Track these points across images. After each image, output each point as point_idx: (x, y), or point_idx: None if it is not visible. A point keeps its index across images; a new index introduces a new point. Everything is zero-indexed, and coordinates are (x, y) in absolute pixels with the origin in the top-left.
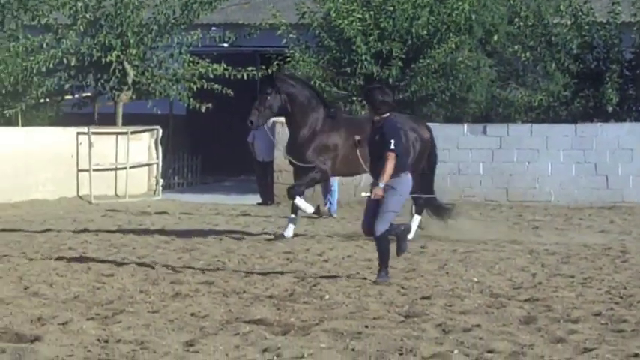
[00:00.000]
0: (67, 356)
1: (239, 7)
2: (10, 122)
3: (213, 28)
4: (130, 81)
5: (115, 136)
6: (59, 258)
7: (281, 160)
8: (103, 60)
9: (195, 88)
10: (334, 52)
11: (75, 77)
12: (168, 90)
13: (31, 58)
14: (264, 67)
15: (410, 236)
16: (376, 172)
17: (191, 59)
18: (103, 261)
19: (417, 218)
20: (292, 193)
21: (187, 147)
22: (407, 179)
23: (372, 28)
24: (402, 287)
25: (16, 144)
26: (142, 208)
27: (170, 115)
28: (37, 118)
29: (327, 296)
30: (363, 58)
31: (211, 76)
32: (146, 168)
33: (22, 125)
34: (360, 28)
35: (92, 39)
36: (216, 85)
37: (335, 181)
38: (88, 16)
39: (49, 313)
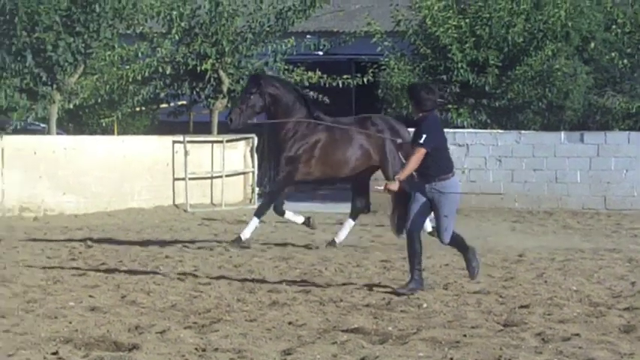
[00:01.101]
0: None
1: (334, 14)
2: (106, 131)
3: (308, 36)
4: (225, 89)
5: (210, 145)
6: (155, 267)
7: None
8: (198, 68)
9: None
10: (430, 59)
11: (170, 86)
12: None
13: (127, 67)
14: (359, 74)
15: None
16: (424, 173)
17: (286, 67)
18: (199, 269)
19: (350, 223)
20: (276, 211)
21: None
22: (454, 181)
23: (468, 35)
24: (500, 296)
25: (112, 152)
26: (237, 216)
27: (264, 124)
28: (132, 127)
29: (424, 305)
30: (459, 65)
31: (306, 84)
32: (242, 176)
33: (118, 134)
34: (455, 35)
35: (187, 47)
36: (311, 93)
37: None
38: (182, 24)
39: (147, 322)
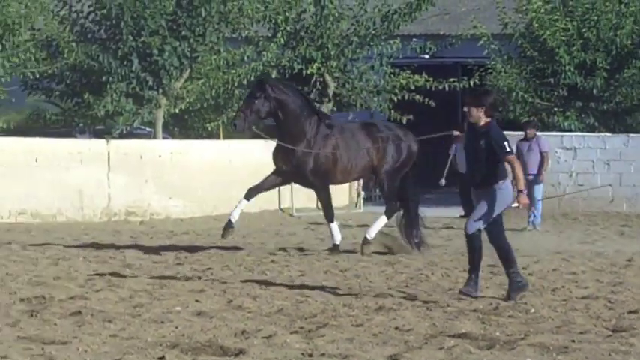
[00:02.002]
0: None
1: (440, 17)
2: (211, 135)
3: (414, 39)
4: (330, 93)
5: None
6: (261, 271)
7: None
8: (304, 72)
9: (396, 100)
10: (536, 62)
11: None
12: (369, 102)
13: (232, 71)
14: (465, 78)
15: (371, 236)
16: (479, 181)
17: (392, 71)
18: (305, 274)
19: (383, 219)
20: (329, 218)
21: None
22: (507, 186)
23: (575, 38)
24: (609, 301)
25: (218, 157)
26: (343, 220)
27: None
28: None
29: (532, 310)
30: (566, 68)
31: (412, 87)
32: None
33: (223, 138)
34: (563, 38)
35: (292, 51)
36: (417, 97)
37: (539, 195)
38: (288, 28)
39: (253, 327)
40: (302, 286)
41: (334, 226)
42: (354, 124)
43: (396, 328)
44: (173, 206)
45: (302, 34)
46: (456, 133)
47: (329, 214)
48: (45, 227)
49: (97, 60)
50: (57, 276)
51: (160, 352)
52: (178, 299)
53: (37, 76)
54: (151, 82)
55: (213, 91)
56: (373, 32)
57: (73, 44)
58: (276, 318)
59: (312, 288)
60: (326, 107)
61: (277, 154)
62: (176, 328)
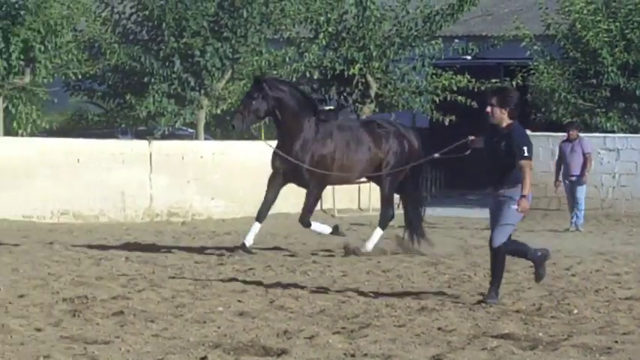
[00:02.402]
0: None
1: (482, 18)
2: (252, 136)
3: (456, 40)
4: (372, 94)
5: None
6: (303, 272)
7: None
8: (346, 73)
9: (438, 101)
10: (579, 63)
11: (317, 90)
12: (411, 102)
13: (274, 72)
14: (507, 79)
15: (367, 250)
16: (496, 182)
17: (434, 71)
18: (347, 274)
19: (378, 232)
20: (305, 223)
21: (431, 160)
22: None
23: (618, 39)
24: None
25: (259, 157)
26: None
27: (412, 128)
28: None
29: (575, 311)
30: (609, 69)
31: (455, 88)
32: None
33: (265, 139)
34: (605, 39)
35: (334, 52)
36: (459, 97)
37: (582, 195)
38: (330, 29)
39: (295, 327)
40: (344, 287)
41: (317, 225)
42: (354, 121)
43: (439, 328)
44: (215, 207)
45: (344, 35)
46: (471, 137)
47: (306, 216)
48: (87, 228)
49: (139, 61)
50: (99, 276)
51: (202, 353)
52: (220, 299)
53: (79, 77)
54: (192, 83)
55: None
56: (415, 33)
57: (115, 45)
58: (319, 318)
59: (355, 289)
60: (368, 108)
61: (275, 156)
62: (218, 328)
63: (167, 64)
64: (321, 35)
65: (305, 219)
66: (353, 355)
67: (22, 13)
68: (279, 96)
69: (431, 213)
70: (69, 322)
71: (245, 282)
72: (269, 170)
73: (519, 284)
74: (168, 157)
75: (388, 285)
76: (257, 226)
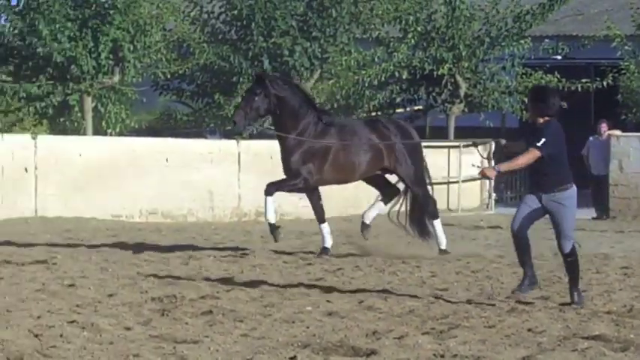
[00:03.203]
0: None
1: (572, 18)
2: None
3: (546, 40)
4: (461, 94)
5: (447, 150)
6: (392, 272)
7: (616, 174)
8: (435, 73)
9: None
10: None
11: (406, 90)
12: (500, 103)
13: (363, 72)
14: (598, 79)
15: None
16: (543, 184)
17: (523, 71)
18: (436, 275)
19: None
20: (267, 190)
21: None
22: (573, 191)
23: None
24: None
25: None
26: (474, 222)
27: (502, 128)
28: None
29: None
30: None
31: None
32: (478, 182)
33: None
34: None
35: (423, 52)
36: None
37: None
38: (419, 29)
39: (384, 327)
40: (433, 287)
41: (325, 227)
42: (357, 120)
43: (529, 329)
44: (303, 207)
45: (433, 34)
46: (503, 141)
47: (272, 187)
48: (175, 227)
49: (228, 60)
50: (188, 275)
51: (291, 352)
52: (309, 299)
53: (168, 76)
54: None
55: (344, 91)
56: (505, 33)
57: (204, 45)
58: (408, 319)
59: (443, 289)
60: (457, 108)
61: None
62: (307, 328)
63: (256, 63)
64: (410, 35)
65: (271, 189)
66: (442, 356)
67: (111, 12)
68: (281, 94)
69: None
70: (158, 322)
71: (334, 282)
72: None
73: (610, 285)
74: (256, 157)
75: (477, 285)
76: (325, 226)
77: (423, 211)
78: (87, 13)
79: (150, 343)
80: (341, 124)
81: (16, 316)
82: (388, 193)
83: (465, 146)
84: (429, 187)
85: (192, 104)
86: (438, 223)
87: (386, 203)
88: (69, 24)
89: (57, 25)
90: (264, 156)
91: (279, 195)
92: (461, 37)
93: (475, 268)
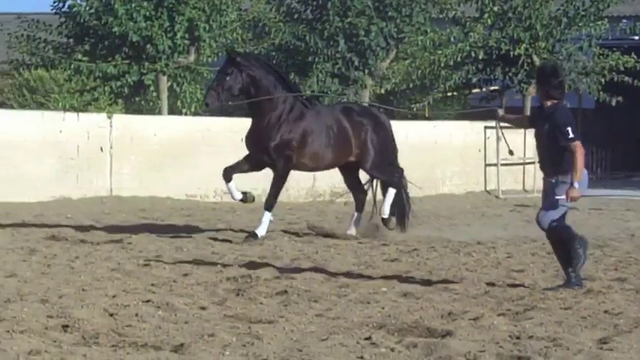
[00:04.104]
0: (478, 352)
1: None
2: (416, 116)
3: (624, 20)
4: None
5: (523, 131)
6: (467, 253)
7: None
8: (511, 53)
9: (604, 82)
10: None
11: (482, 71)
12: (577, 83)
13: (439, 52)
14: None
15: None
16: (548, 168)
17: (601, 52)
18: (512, 256)
19: (391, 192)
20: (267, 207)
21: (596, 141)
22: (583, 174)
23: None
24: None
25: (423, 138)
26: (516, 203)
27: (579, 109)
28: (443, 112)
29: None
30: None
31: (622, 68)
32: None
33: (429, 119)
34: None
35: (500, 32)
36: (626, 78)
37: None
38: (495, 9)
39: (460, 308)
40: (508, 269)
41: (268, 216)
42: (334, 106)
43: (605, 311)
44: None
45: (510, 14)
46: (501, 112)
47: (271, 201)
48: (250, 207)
49: (304, 40)
50: (262, 255)
51: (366, 333)
52: (384, 280)
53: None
54: (356, 63)
55: (419, 71)
56: (582, 13)
57: (280, 24)
58: (483, 300)
59: (519, 270)
60: (533, 88)
61: (248, 136)
62: (382, 308)
63: (331, 43)
64: (486, 15)
65: (269, 203)
66: (518, 338)
67: None
68: (254, 73)
69: (596, 194)
70: (233, 301)
71: (409, 262)
72: (433, 150)
73: None
74: None
75: (553, 267)
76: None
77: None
78: None
79: (225, 323)
80: (317, 110)
81: (91, 295)
82: (361, 200)
83: None
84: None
85: None
86: (391, 192)
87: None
88: (145, 3)
89: (133, 5)
90: None
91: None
92: (538, 17)
93: (550, 250)
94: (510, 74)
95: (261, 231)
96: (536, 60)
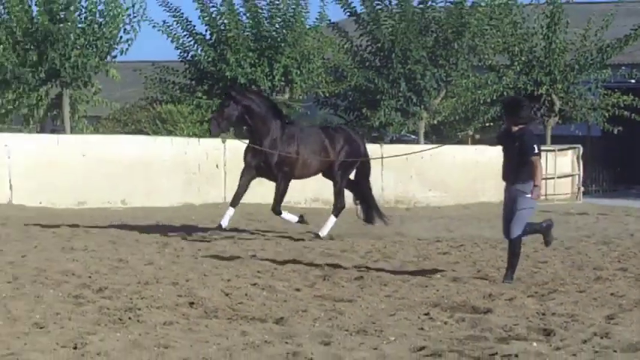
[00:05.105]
0: (513, 325)
1: None
2: (461, 141)
3: (623, 67)
4: (556, 109)
5: (544, 153)
6: (503, 248)
7: None
8: (535, 92)
9: (608, 115)
10: None
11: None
12: (587, 116)
13: (479, 92)
14: None
15: (323, 234)
16: (512, 177)
17: (605, 92)
18: (538, 250)
19: (332, 219)
20: (276, 212)
21: (602, 162)
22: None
23: None
24: None
25: (467, 158)
26: (566, 209)
27: (587, 137)
28: (483, 139)
29: None
30: None
31: (622, 105)
32: (570, 178)
33: (471, 143)
34: None
35: (526, 76)
36: (625, 113)
37: None
38: (523, 58)
39: (497, 291)
40: (535, 260)
41: (286, 214)
42: (313, 127)
43: (612, 294)
44: (432, 196)
45: (534, 62)
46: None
47: (277, 206)
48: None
49: (373, 82)
50: (343, 249)
51: (425, 310)
52: (438, 269)
53: (327, 95)
54: (415, 100)
55: (464, 107)
56: (590, 62)
57: (355, 70)
58: (516, 284)
59: (544, 262)
60: (552, 120)
61: (247, 152)
62: (437, 291)
63: (395, 85)
64: (515, 63)
65: (276, 208)
66: (544, 314)
67: (283, 45)
68: (247, 103)
69: (602, 203)
70: (321, 285)
71: (457, 255)
72: (474, 168)
73: None
74: (395, 158)
75: (570, 259)
76: (231, 210)
77: (370, 201)
78: (264, 45)
79: (315, 301)
80: (303, 130)
81: (211, 279)
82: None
83: (558, 150)
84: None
85: (345, 116)
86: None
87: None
88: (250, 53)
89: (241, 55)
90: (400, 157)
91: (413, 187)
92: (556, 65)
93: (568, 246)
94: (534, 109)
95: (292, 219)
96: (555, 98)
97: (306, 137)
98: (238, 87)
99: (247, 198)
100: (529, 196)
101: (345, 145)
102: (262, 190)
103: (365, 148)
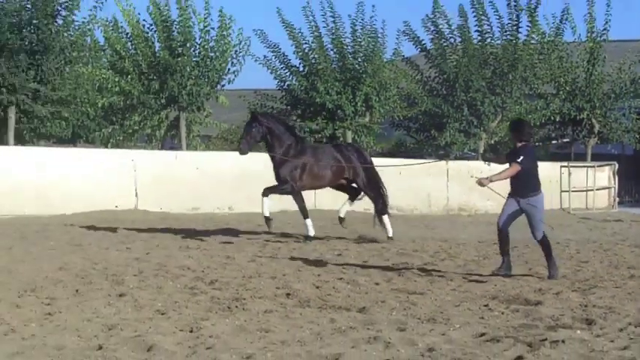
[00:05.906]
0: (559, 315)
1: None
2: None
3: None
4: (595, 131)
5: (585, 169)
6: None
7: None
8: (577, 117)
9: (638, 137)
10: None
11: (558, 129)
12: (621, 138)
13: (529, 116)
14: None
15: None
16: (524, 191)
17: (637, 117)
18: (579, 252)
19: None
20: (263, 192)
21: (634, 176)
22: (541, 196)
23: None
24: None
25: None
26: (603, 217)
27: (622, 155)
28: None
29: None
30: None
31: None
32: (607, 190)
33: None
34: None
35: (570, 103)
36: None
37: None
38: (567, 87)
39: (547, 286)
40: (577, 260)
41: (308, 221)
42: (326, 145)
43: None
44: (490, 205)
45: (576, 91)
46: (488, 165)
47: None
48: (405, 218)
49: (440, 108)
50: (415, 249)
51: (484, 301)
52: (496, 266)
53: (401, 118)
54: (475, 123)
55: None
56: (625, 91)
57: (424, 97)
58: (561, 281)
59: (585, 261)
60: (592, 141)
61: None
62: (495, 286)
63: (458, 110)
64: (561, 91)
65: (266, 192)
66: (586, 306)
67: (364, 76)
68: (270, 126)
69: (634, 212)
70: (397, 280)
71: (513, 256)
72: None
73: None
74: (458, 172)
75: (608, 259)
76: (309, 221)
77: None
78: (348, 76)
79: (391, 294)
80: (314, 147)
81: (304, 273)
82: (352, 194)
83: (597, 166)
84: (382, 192)
85: (416, 137)
86: (385, 218)
87: (352, 201)
88: (336, 83)
89: (329, 84)
90: (463, 172)
91: (474, 197)
92: (595, 94)
93: (606, 248)
94: (577, 131)
95: (310, 232)
96: (594, 122)
97: (317, 154)
98: (260, 112)
99: (332, 204)
100: (537, 206)
101: (360, 157)
102: (336, 202)
103: (371, 161)
